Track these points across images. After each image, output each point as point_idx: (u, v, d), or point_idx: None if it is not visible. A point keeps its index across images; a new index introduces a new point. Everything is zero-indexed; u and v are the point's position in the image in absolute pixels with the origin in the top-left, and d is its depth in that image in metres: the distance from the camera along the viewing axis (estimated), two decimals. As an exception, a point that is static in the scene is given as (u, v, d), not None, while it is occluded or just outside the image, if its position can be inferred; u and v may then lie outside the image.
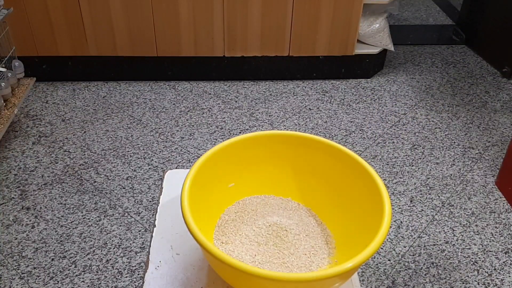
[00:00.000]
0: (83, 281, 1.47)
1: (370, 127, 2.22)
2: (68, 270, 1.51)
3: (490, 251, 1.62)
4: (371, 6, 2.45)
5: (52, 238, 1.61)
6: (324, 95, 2.46)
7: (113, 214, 1.71)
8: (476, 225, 1.72)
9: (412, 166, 1.99)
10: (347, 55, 2.50)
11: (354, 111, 2.33)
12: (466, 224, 1.72)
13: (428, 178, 1.92)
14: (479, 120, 2.29)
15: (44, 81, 2.48)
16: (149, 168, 1.93)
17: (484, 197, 1.84)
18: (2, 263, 1.52)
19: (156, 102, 2.36)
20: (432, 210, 1.78)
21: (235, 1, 2.28)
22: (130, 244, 1.60)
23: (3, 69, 2.00)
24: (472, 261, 1.58)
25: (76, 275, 1.49)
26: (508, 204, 1.81)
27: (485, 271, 1.55)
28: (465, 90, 2.53)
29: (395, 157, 2.03)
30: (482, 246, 1.64)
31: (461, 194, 1.85)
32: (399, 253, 1.60)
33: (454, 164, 2.00)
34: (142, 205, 1.76)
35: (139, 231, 1.65)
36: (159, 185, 1.84)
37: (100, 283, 1.47)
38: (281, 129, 2.15)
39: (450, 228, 1.70)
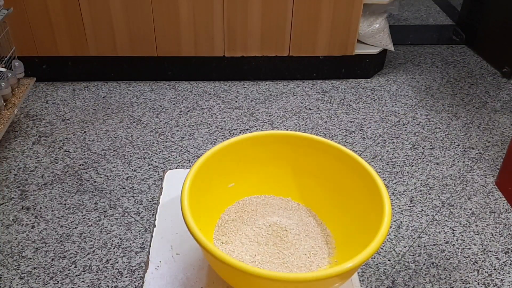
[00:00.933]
0: (83, 281, 1.47)
1: (370, 127, 2.22)
2: (68, 270, 1.51)
3: (490, 251, 1.62)
4: (371, 6, 2.45)
5: (52, 238, 1.61)
6: (324, 95, 2.46)
7: (113, 214, 1.71)
8: (476, 225, 1.72)
9: (412, 166, 1.99)
10: (347, 55, 2.50)
11: (354, 111, 2.33)
12: (466, 224, 1.72)
13: (428, 178, 1.92)
14: (479, 120, 2.29)
15: (44, 81, 2.48)
16: (149, 168, 1.93)
17: (484, 197, 1.84)
18: (2, 263, 1.52)
19: (156, 102, 2.36)
20: (432, 210, 1.78)
21: (235, 1, 2.28)
22: (130, 244, 1.60)
23: (3, 69, 2.00)
24: (472, 261, 1.58)
25: (76, 275, 1.49)
26: (508, 204, 1.81)
27: (485, 271, 1.55)
28: (465, 90, 2.53)
29: (395, 157, 2.03)
30: (482, 246, 1.64)
31: (461, 194, 1.85)
32: (399, 253, 1.60)
33: (454, 164, 2.00)
34: (142, 205, 1.76)
35: (139, 231, 1.65)
36: (159, 185, 1.84)
37: (100, 283, 1.47)
38: (281, 129, 2.15)
39: (450, 228, 1.70)
